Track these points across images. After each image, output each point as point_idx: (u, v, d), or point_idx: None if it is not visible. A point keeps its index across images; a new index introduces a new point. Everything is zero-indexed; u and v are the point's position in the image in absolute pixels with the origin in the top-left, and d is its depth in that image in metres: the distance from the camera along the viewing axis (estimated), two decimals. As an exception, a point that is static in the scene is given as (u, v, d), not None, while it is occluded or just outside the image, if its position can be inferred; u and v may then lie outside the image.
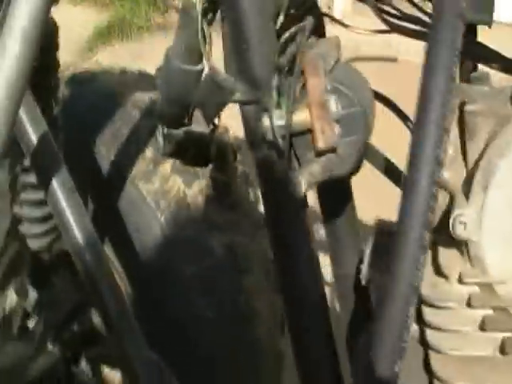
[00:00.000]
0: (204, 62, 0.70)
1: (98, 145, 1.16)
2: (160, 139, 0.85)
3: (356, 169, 0.66)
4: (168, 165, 1.16)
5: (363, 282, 0.73)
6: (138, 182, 1.15)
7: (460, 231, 0.63)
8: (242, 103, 0.66)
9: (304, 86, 0.62)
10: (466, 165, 0.65)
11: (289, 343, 0.74)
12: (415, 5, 0.75)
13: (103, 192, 1.16)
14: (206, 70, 0.70)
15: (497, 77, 0.75)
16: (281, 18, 0.67)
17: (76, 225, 0.93)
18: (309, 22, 0.65)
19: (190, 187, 1.16)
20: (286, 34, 0.63)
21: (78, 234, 0.93)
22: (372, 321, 0.61)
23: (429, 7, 0.73)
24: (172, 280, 1.16)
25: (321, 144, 0.61)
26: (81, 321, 1.18)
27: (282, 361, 1.26)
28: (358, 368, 0.71)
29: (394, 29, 0.73)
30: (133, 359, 0.97)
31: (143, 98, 1.20)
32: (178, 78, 0.75)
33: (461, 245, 0.65)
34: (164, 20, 3.54)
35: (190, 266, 1.15)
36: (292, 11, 0.67)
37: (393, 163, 0.79)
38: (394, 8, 0.73)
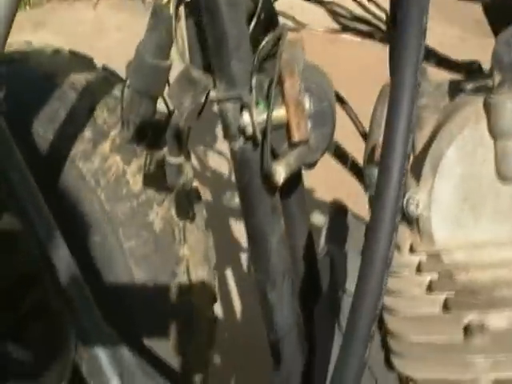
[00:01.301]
0: (179, 59, 0.77)
1: (35, 125, 1.19)
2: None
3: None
4: (107, 144, 1.21)
5: (321, 255, 0.84)
6: (78, 162, 1.20)
7: (412, 209, 0.75)
8: (222, 100, 0.74)
9: (281, 85, 0.71)
10: (413, 152, 0.77)
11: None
12: (363, 7, 0.85)
13: (42, 172, 1.20)
14: (182, 67, 0.78)
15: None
16: (253, 23, 0.75)
17: (30, 203, 0.99)
18: (283, 28, 0.74)
19: (128, 165, 1.22)
20: (265, 41, 0.72)
21: (31, 211, 0.98)
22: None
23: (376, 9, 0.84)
24: (112, 254, 1.22)
25: (296, 137, 0.71)
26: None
27: (214, 325, 1.36)
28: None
29: (345, 28, 0.83)
30: (90, 333, 1.04)
31: (79, 78, 1.24)
32: (148, 72, 0.82)
33: (412, 221, 0.76)
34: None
35: (130, 240, 1.21)
36: (262, 16, 0.75)
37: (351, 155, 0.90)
38: (345, 9, 0.83)
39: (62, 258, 1.01)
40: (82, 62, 1.32)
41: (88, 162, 1.20)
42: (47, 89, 1.21)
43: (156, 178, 1.19)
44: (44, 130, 1.19)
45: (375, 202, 0.63)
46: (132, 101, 0.85)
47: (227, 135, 0.75)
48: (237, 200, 2.18)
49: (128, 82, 0.86)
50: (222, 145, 2.31)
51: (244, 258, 2.05)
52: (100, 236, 1.21)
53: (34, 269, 1.15)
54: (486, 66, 0.91)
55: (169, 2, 0.80)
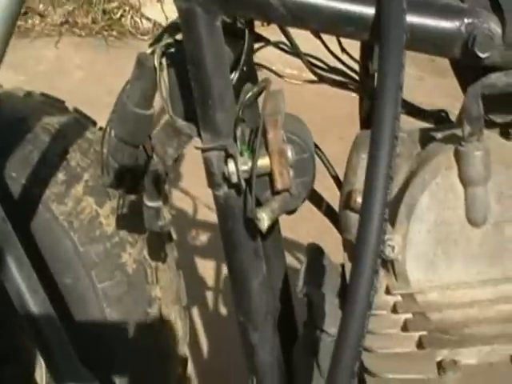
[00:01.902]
0: (166, 107, 0.81)
1: (8, 168, 1.21)
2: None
3: (301, 203, 0.80)
4: (80, 186, 1.24)
5: (299, 295, 0.87)
6: (51, 204, 1.22)
7: (388, 252, 0.79)
8: (206, 150, 0.78)
9: (264, 136, 0.75)
10: (388, 198, 0.81)
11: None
12: (339, 59, 0.90)
13: (15, 215, 1.22)
14: (166, 116, 0.82)
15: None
16: (236, 75, 0.79)
17: (7, 247, 1.01)
18: (267, 81, 0.78)
19: (101, 207, 1.25)
20: (250, 93, 0.76)
21: (8, 255, 1.00)
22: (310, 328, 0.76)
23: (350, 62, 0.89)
24: (85, 295, 1.24)
25: (279, 186, 0.75)
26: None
27: (186, 364, 1.39)
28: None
29: (321, 79, 0.88)
30: (66, 376, 1.06)
31: (52, 121, 1.27)
32: (132, 121, 0.86)
33: (387, 263, 0.81)
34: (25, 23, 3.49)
35: (103, 281, 1.23)
36: (244, 69, 0.80)
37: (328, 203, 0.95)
38: (323, 62, 0.88)
39: (39, 301, 1.03)
40: (54, 104, 1.35)
41: (61, 204, 1.22)
42: (20, 131, 1.23)
43: (129, 220, 1.23)
44: (17, 172, 1.21)
45: (357, 246, 0.67)
46: (116, 148, 0.88)
47: (211, 183, 0.79)
48: (202, 238, 2.21)
49: (108, 128, 0.89)
50: (184, 182, 2.35)
51: (210, 296, 2.08)
52: (73, 278, 1.23)
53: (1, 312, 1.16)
54: (447, 108, 0.98)
55: (153, 52, 0.84)
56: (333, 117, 2.83)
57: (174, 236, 1.39)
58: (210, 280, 2.11)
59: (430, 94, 2.74)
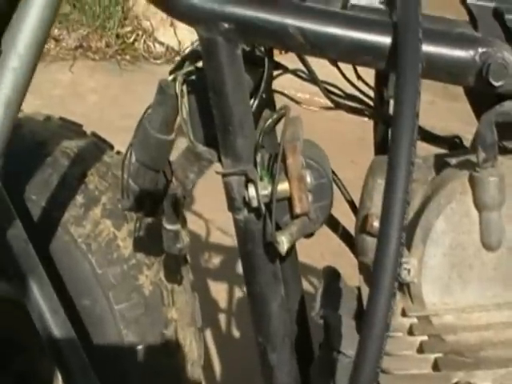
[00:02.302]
0: (187, 133, 0.84)
1: (28, 191, 1.24)
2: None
3: (319, 226, 0.83)
4: (98, 209, 1.27)
5: (316, 318, 0.89)
6: (70, 227, 1.24)
7: (404, 275, 0.81)
8: (227, 175, 0.81)
9: (284, 162, 0.78)
10: (404, 222, 0.84)
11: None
12: (355, 86, 0.93)
13: (34, 237, 1.25)
14: (188, 142, 0.84)
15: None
16: (256, 102, 0.82)
17: (30, 271, 1.03)
18: (286, 108, 0.81)
19: (119, 230, 1.28)
20: (270, 119, 0.79)
21: (31, 278, 1.02)
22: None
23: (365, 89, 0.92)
24: (103, 317, 1.26)
25: (298, 210, 0.78)
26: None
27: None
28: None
29: (338, 106, 0.91)
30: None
31: (70, 145, 1.30)
32: (154, 146, 0.88)
33: (403, 286, 0.83)
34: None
35: (120, 303, 1.26)
36: (263, 95, 0.83)
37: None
38: (339, 89, 0.90)
39: (60, 322, 1.05)
40: (72, 128, 1.38)
41: (80, 226, 1.25)
42: (40, 155, 1.26)
43: (146, 243, 1.25)
44: (37, 195, 1.24)
45: (375, 269, 0.69)
46: (137, 173, 0.91)
47: (231, 207, 0.82)
48: (214, 261, 2.24)
49: (129, 153, 0.92)
50: (197, 206, 2.38)
51: (223, 319, 2.10)
52: (91, 299, 1.25)
53: (18, 335, 1.19)
54: (459, 131, 1.00)
55: (174, 79, 0.87)
56: (344, 141, 2.87)
57: (188, 259, 1.42)
58: (222, 303, 2.13)
59: (442, 118, 2.77)
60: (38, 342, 1.09)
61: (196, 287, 1.42)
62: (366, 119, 1.00)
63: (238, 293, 2.15)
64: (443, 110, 3.09)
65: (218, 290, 2.17)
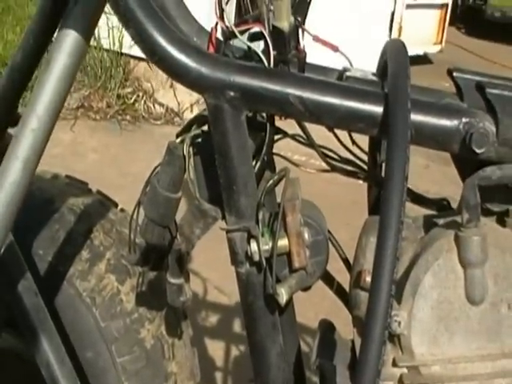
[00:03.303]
0: (193, 192, 0.91)
1: (35, 247, 1.30)
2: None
3: (315, 280, 0.90)
4: (103, 264, 1.34)
5: (313, 367, 0.96)
6: (75, 281, 1.31)
7: (395, 327, 0.88)
8: (231, 231, 0.88)
9: (284, 220, 0.85)
10: (395, 277, 0.91)
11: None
12: (349, 151, 1.01)
13: (41, 290, 1.31)
14: (195, 201, 0.92)
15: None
16: (258, 164, 0.90)
17: (41, 327, 1.10)
18: (286, 170, 0.89)
19: (122, 284, 1.34)
20: (272, 180, 0.87)
21: (42, 333, 1.08)
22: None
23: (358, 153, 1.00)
24: (105, 369, 1.31)
25: (297, 264, 0.85)
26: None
27: None
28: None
29: (333, 169, 0.99)
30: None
31: (77, 202, 1.38)
32: (162, 202, 0.96)
33: (394, 337, 0.90)
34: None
35: (123, 356, 1.31)
36: (265, 158, 0.91)
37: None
38: (334, 153, 0.99)
39: (66, 372, 1.11)
40: (78, 186, 1.45)
41: (85, 281, 1.31)
42: (47, 211, 1.33)
43: (148, 297, 1.32)
44: (44, 250, 1.30)
45: (367, 320, 0.76)
46: (146, 229, 0.98)
47: (234, 261, 0.89)
48: (211, 319, 2.28)
49: (136, 210, 0.99)
50: (194, 264, 2.44)
51: (219, 376, 2.14)
52: (94, 352, 1.31)
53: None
54: (449, 195, 1.08)
55: (182, 141, 0.95)
56: (339, 203, 2.95)
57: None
58: (219, 360, 2.18)
59: (436, 182, 2.86)
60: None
61: (194, 343, 1.47)
62: (360, 182, 1.08)
63: (234, 350, 2.20)
64: (437, 173, 3.19)
65: (215, 348, 2.22)
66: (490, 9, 8.34)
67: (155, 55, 0.85)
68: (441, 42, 6.91)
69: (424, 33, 6.62)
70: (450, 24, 7.15)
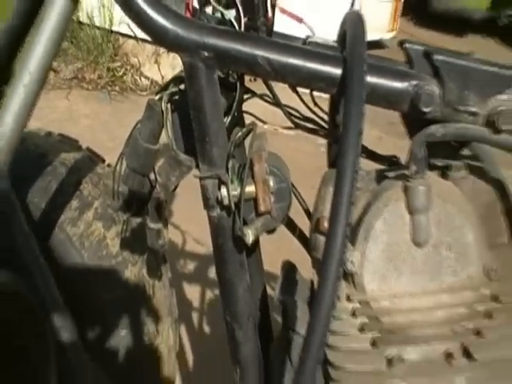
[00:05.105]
0: (170, 144, 0.89)
1: (30, 195, 1.27)
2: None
3: (278, 224, 0.88)
4: (91, 213, 1.31)
5: (276, 302, 0.94)
6: (66, 227, 1.28)
7: (349, 266, 0.87)
8: (203, 178, 0.86)
9: (251, 168, 0.83)
10: (349, 223, 0.89)
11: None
12: (311, 110, 0.99)
13: (35, 235, 1.28)
14: (171, 151, 0.89)
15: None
16: (229, 119, 0.87)
17: (34, 265, 1.07)
18: (254, 124, 0.87)
19: (108, 231, 1.32)
20: (240, 133, 0.84)
21: (35, 271, 1.06)
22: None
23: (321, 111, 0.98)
24: (92, 304, 1.29)
25: (262, 208, 0.83)
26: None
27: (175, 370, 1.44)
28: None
29: (297, 126, 0.96)
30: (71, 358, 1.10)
31: (68, 157, 1.34)
32: (142, 153, 0.93)
33: (348, 275, 0.88)
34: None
35: (108, 293, 1.29)
36: (235, 114, 0.88)
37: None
38: (297, 111, 0.96)
39: (59, 309, 1.08)
40: (70, 143, 1.42)
41: (74, 227, 1.28)
42: (41, 165, 1.30)
43: (131, 243, 1.29)
44: (38, 199, 1.27)
45: (324, 260, 0.74)
46: (127, 177, 0.95)
47: (207, 205, 0.87)
48: (189, 266, 2.26)
49: (120, 161, 0.97)
50: (175, 219, 2.41)
51: (196, 315, 2.13)
52: (82, 289, 1.29)
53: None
54: (401, 159, 1.06)
55: (161, 99, 0.92)
56: (305, 169, 2.93)
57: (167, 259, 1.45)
58: (195, 301, 2.17)
59: (388, 152, 2.85)
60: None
61: (173, 286, 1.46)
62: (323, 150, 1.05)
63: (209, 293, 2.19)
64: (390, 144, 3.18)
65: (192, 291, 2.21)
66: (435, 3, 8.32)
67: (136, 18, 0.82)
68: (394, 30, 6.88)
69: (380, 21, 6.57)
70: (402, 15, 7.12)
